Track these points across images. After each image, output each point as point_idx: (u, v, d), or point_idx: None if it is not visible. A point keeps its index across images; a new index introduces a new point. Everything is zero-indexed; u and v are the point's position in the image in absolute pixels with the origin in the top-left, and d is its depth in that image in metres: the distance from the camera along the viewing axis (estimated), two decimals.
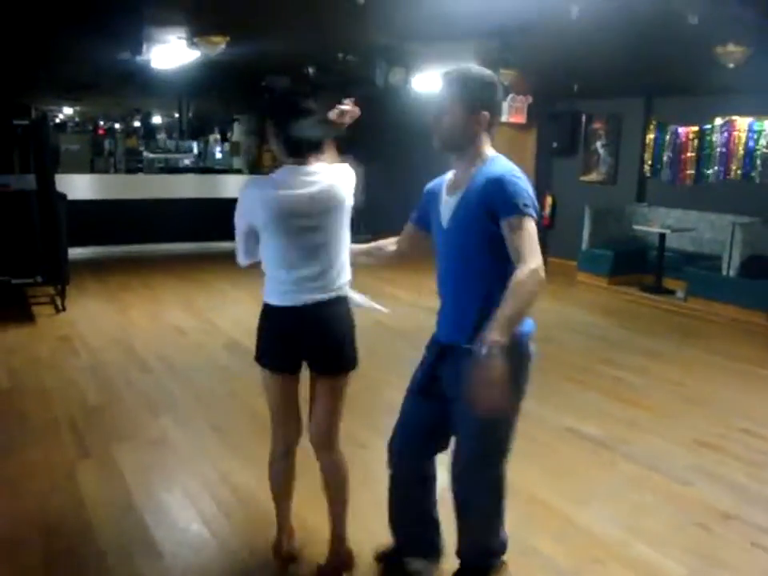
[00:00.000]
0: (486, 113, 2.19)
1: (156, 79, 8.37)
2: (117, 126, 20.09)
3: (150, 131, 20.40)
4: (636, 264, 8.34)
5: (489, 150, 2.25)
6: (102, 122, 19.98)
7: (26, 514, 3.01)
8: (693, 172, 8.28)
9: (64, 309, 6.38)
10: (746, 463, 3.81)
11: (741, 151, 7.82)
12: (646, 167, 8.75)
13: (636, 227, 8.30)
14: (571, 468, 3.74)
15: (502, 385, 1.91)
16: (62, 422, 3.99)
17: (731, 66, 5.06)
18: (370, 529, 2.83)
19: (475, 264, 2.22)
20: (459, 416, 2.28)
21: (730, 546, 2.99)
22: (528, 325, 2.24)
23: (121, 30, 4.04)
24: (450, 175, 2.35)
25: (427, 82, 7.52)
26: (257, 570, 2.70)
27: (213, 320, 6.36)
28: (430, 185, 2.45)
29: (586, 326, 6.79)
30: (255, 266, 2.48)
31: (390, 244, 2.63)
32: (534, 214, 2.11)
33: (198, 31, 5.31)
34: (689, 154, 8.32)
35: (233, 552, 2.81)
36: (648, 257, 8.26)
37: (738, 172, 7.83)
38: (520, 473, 3.56)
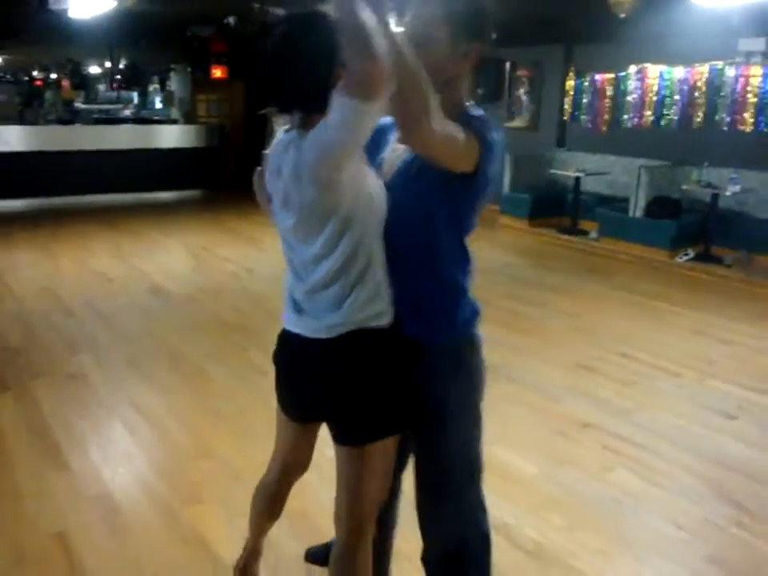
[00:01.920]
0: (477, 45, 1.64)
1: (84, 28, 8.33)
2: (53, 76, 19.64)
3: (88, 81, 20.01)
4: (555, 207, 8.74)
5: (467, 99, 1.71)
6: (36, 73, 19.52)
7: None
8: (609, 118, 8.63)
9: None
10: (616, 382, 4.25)
11: (653, 98, 8.19)
12: (566, 113, 9.08)
13: (553, 171, 8.67)
14: None
15: None
16: None
17: (623, 16, 5.37)
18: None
19: (423, 233, 1.71)
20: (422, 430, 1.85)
21: (582, 449, 3.41)
22: (473, 310, 1.86)
23: None
24: None
25: None
26: (163, 487, 3.02)
27: (139, 266, 6.56)
28: (385, 120, 1.69)
29: (499, 264, 7.16)
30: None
31: None
32: (485, 148, 1.58)
33: None
34: (606, 101, 8.65)
35: (140, 468, 3.13)
36: (566, 200, 8.66)
37: (651, 118, 8.21)
38: None
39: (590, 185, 8.58)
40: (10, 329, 4.83)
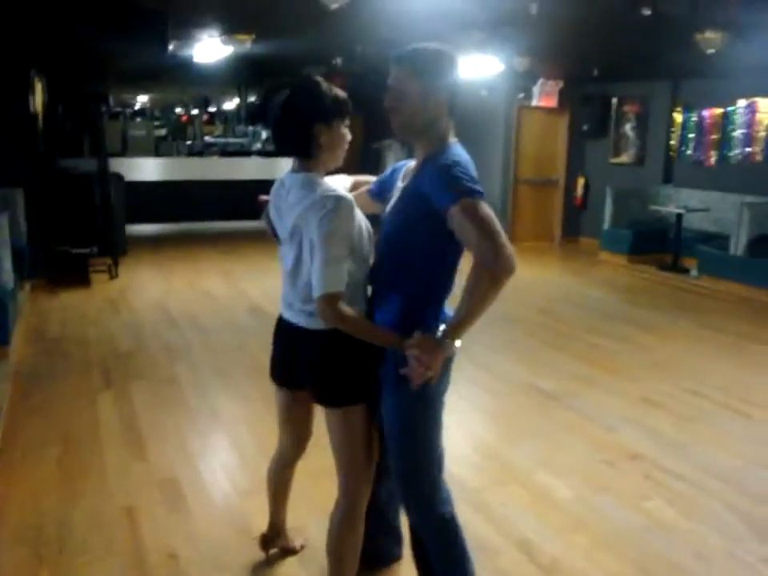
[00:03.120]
0: (446, 94, 1.98)
1: (212, 70, 9.17)
2: (194, 112, 21.37)
3: (224, 117, 21.61)
4: (656, 243, 8.60)
5: (449, 137, 2.03)
6: (179, 110, 21.33)
7: (52, 425, 3.82)
8: (716, 153, 8.45)
9: (116, 276, 7.30)
10: (678, 417, 4.22)
11: (762, 132, 7.95)
12: (672, 149, 8.95)
13: (653, 207, 8.55)
14: (514, 413, 4.28)
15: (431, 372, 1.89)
16: (94, 363, 4.83)
17: (711, 51, 5.35)
18: None
19: (403, 259, 2.06)
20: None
21: (624, 478, 3.47)
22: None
23: (145, 33, 4.77)
24: (412, 161, 2.17)
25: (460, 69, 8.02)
26: (224, 480, 3.39)
27: (244, 288, 7.12)
28: (400, 162, 2.28)
29: (591, 300, 7.17)
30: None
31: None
32: (483, 195, 1.87)
33: (225, 30, 6.02)
34: (713, 136, 8.48)
35: (207, 463, 3.52)
36: (669, 237, 8.49)
37: (760, 154, 7.96)
38: (464, 414, 4.17)
39: (694, 222, 8.40)
40: (122, 336, 5.46)
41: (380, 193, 2.30)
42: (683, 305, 7.07)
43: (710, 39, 5.24)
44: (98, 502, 3.06)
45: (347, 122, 2.11)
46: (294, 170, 2.12)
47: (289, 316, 2.21)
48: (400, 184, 2.14)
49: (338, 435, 2.17)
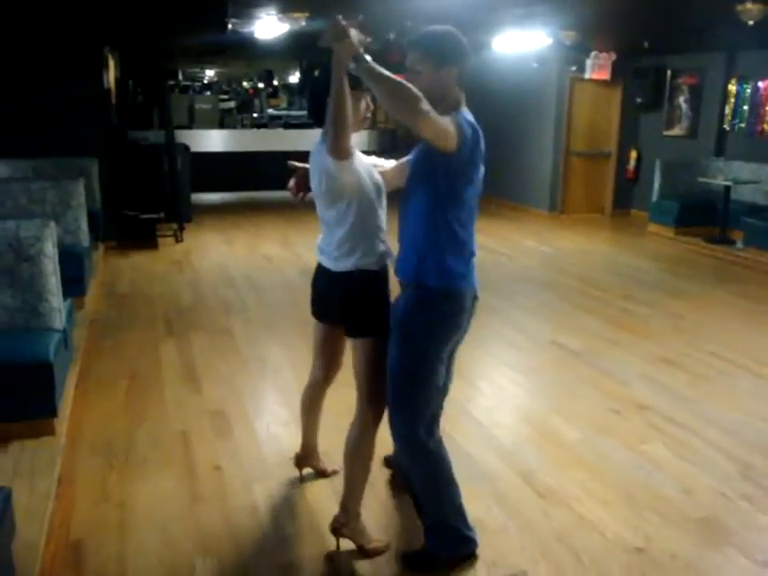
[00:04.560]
0: (454, 67, 2.31)
1: (273, 45, 9.60)
2: (261, 85, 21.96)
3: (289, 90, 22.13)
4: (704, 215, 8.64)
5: (461, 106, 2.34)
6: (246, 83, 21.94)
7: (121, 364, 4.38)
8: None
9: (182, 240, 7.89)
10: (693, 376, 4.47)
11: None
12: (726, 121, 8.93)
13: (701, 179, 8.58)
14: (536, 367, 4.61)
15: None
16: (159, 315, 5.38)
17: (750, 23, 5.44)
18: None
19: (416, 207, 2.38)
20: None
21: (629, 424, 3.77)
22: (460, 272, 2.41)
23: (205, 13, 5.21)
24: None
25: (509, 42, 8.21)
26: (266, 411, 3.86)
27: (298, 251, 7.59)
28: None
29: (632, 269, 7.35)
30: None
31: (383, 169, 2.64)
32: (464, 138, 2.23)
33: (281, 9, 6.41)
34: (767, 108, 8.44)
35: (253, 398, 4.00)
36: (717, 209, 8.53)
37: None
38: (488, 366, 4.52)
39: (745, 194, 8.41)
40: (185, 292, 6.02)
41: None
42: (724, 275, 7.17)
43: (750, 10, 5.33)
44: (157, 426, 3.57)
45: (363, 95, 2.41)
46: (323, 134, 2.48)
47: (321, 260, 2.62)
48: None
49: (362, 363, 2.54)
